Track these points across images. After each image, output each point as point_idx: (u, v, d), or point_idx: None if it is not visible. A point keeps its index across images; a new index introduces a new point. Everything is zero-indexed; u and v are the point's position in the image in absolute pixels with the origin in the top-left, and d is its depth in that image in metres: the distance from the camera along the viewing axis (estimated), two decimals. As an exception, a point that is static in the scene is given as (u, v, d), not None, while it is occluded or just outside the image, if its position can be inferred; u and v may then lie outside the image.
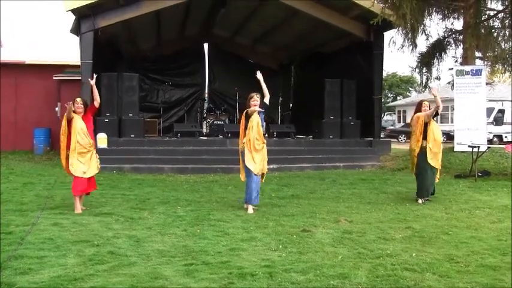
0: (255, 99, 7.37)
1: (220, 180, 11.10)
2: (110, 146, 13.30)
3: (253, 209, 7.32)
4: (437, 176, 8.33)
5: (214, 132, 16.83)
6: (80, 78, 13.69)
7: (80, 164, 7.11)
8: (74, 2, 12.88)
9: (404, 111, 43.12)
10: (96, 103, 7.40)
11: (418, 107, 8.32)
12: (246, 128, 7.41)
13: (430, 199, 8.24)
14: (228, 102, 20.41)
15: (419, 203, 8.04)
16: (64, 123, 7.19)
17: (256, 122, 7.35)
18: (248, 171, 7.40)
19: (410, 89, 50.59)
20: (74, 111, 7.18)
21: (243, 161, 7.43)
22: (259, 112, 7.43)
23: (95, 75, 7.78)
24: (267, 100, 7.61)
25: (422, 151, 8.10)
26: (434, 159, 8.09)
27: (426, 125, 8.08)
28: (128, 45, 18.90)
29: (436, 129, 8.12)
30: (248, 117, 7.39)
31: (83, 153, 7.13)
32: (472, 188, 9.86)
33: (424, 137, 8.07)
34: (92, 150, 7.28)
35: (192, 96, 20.90)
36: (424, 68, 15.33)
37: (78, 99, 7.31)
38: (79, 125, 7.12)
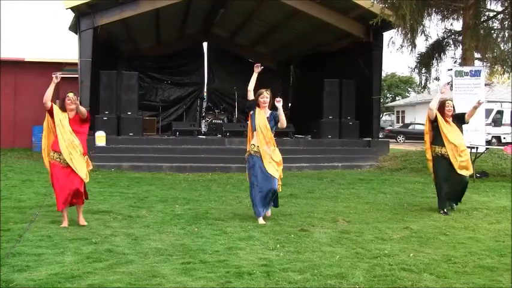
0: (265, 95, 6.55)
1: (218, 179, 11.10)
2: (109, 144, 13.29)
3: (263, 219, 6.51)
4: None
5: (213, 131, 16.84)
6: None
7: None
8: (73, 1, 12.87)
9: (403, 112, 43.25)
10: (82, 116, 6.12)
11: (441, 108, 7.33)
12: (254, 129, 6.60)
13: (453, 209, 7.35)
14: (226, 102, 20.42)
15: (441, 213, 7.21)
16: (47, 116, 6.12)
17: (264, 126, 6.49)
18: (251, 182, 6.57)
19: (409, 89, 50.64)
20: (64, 109, 6.10)
21: (248, 168, 6.66)
22: (270, 115, 6.58)
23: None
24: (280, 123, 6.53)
25: (438, 156, 7.32)
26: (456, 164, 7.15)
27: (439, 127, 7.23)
28: (128, 44, 18.90)
29: (449, 132, 7.22)
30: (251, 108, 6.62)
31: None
32: (470, 188, 9.76)
33: (441, 143, 7.24)
34: (79, 153, 6.04)
35: (191, 95, 20.94)
36: (423, 69, 15.31)
37: (71, 94, 6.08)
38: (63, 121, 6.00)
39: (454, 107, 7.40)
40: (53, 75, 6.04)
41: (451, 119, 7.35)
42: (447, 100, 7.41)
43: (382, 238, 5.69)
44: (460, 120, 7.40)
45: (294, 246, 5.26)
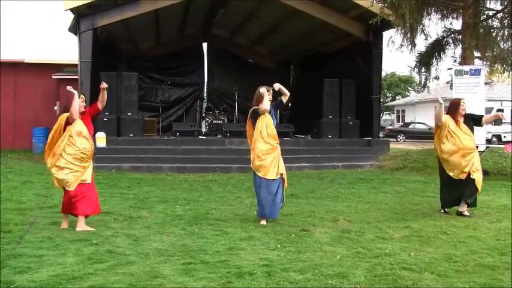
0: (270, 93, 6.46)
1: (219, 179, 11.10)
2: (109, 145, 13.29)
3: (267, 221, 6.44)
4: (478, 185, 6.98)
5: (213, 132, 16.85)
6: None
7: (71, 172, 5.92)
8: (73, 2, 12.86)
9: (403, 111, 43.24)
10: (101, 106, 6.20)
11: (455, 107, 7.08)
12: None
13: (470, 216, 6.94)
14: (226, 102, 20.42)
15: (441, 212, 7.23)
16: (60, 122, 5.96)
17: (265, 123, 6.40)
18: (257, 180, 6.50)
19: (409, 88, 50.62)
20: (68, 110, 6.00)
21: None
22: (270, 109, 6.50)
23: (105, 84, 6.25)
24: (285, 99, 6.58)
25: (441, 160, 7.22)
26: (449, 169, 7.05)
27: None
28: (127, 45, 18.90)
29: (453, 135, 6.99)
30: (256, 116, 6.46)
31: (83, 159, 5.96)
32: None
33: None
34: (91, 160, 6.11)
35: (191, 96, 20.93)
36: (423, 68, 15.31)
37: (82, 95, 6.20)
38: (79, 127, 5.95)
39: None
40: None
41: (462, 118, 7.11)
42: (462, 99, 7.20)
43: (382, 237, 5.69)
44: (475, 121, 7.19)
45: (295, 246, 5.27)
